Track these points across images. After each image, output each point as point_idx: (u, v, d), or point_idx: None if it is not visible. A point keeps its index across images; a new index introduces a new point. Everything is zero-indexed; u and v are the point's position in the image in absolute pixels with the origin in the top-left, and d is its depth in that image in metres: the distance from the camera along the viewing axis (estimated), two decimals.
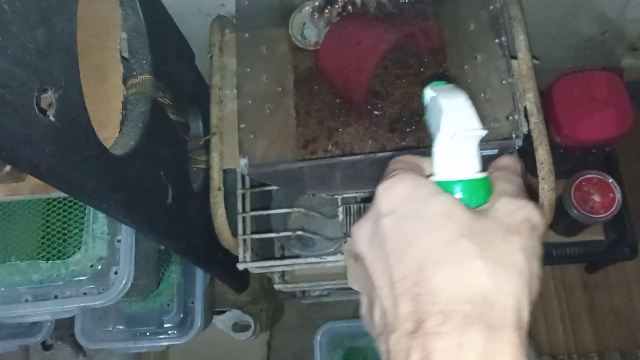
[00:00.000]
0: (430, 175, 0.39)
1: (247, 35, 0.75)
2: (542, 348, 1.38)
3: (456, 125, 0.37)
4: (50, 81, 0.40)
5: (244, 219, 0.81)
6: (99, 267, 0.65)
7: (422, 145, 0.80)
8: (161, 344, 0.97)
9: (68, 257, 0.66)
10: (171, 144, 0.67)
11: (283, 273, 0.95)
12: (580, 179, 1.08)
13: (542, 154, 0.71)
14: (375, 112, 0.82)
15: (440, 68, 0.83)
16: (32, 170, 0.39)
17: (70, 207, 0.69)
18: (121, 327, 0.98)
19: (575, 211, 1.09)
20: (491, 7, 0.70)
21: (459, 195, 0.36)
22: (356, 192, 0.86)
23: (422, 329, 0.31)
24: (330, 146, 0.83)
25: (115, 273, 0.65)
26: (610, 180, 1.07)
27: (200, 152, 0.78)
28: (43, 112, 0.39)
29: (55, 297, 0.66)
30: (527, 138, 0.76)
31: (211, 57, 0.82)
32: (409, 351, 0.31)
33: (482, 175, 0.37)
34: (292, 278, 0.95)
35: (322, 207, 0.90)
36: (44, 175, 0.41)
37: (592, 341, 1.38)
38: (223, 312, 1.27)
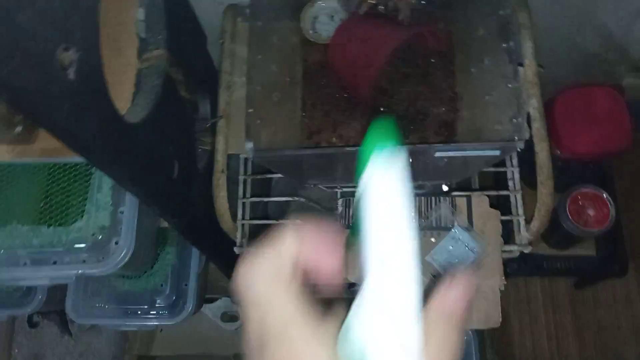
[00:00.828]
0: None
1: (260, 23, 0.77)
2: None
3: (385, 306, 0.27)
4: (73, 40, 0.41)
5: (243, 204, 0.82)
6: (100, 236, 0.66)
7: (425, 143, 0.81)
8: (151, 323, 0.98)
9: (70, 224, 0.67)
10: (180, 120, 0.68)
11: None
12: (576, 192, 1.10)
13: (543, 159, 0.73)
14: (381, 108, 0.83)
15: (447, 69, 0.84)
16: (48, 125, 0.40)
17: (75, 174, 0.70)
18: (113, 305, 0.98)
19: (569, 223, 1.10)
20: (501, 12, 0.72)
21: None
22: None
23: None
24: (334, 139, 0.84)
25: (116, 243, 0.66)
26: (605, 196, 1.08)
27: (207, 134, 0.79)
28: (64, 69, 0.40)
29: (54, 262, 0.66)
30: (527, 145, 0.78)
31: (222, 43, 0.84)
32: None
33: None
34: None
35: (321, 201, 0.91)
36: (59, 132, 0.42)
37: (577, 356, 1.39)
38: (213, 300, 1.28)
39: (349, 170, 0.81)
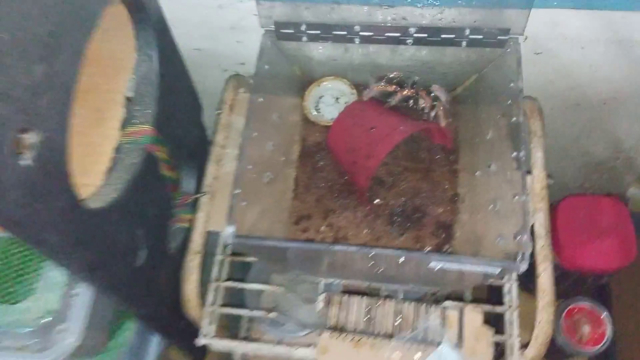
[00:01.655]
0: None
1: (261, 99, 0.73)
2: None
3: None
4: (37, 122, 0.36)
5: (216, 288, 0.76)
6: (47, 320, 0.59)
7: (420, 246, 0.76)
8: None
9: (15, 303, 0.60)
10: (156, 202, 0.63)
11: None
12: (572, 305, 1.03)
13: (545, 282, 0.67)
14: (377, 201, 0.78)
15: (450, 168, 0.80)
16: None
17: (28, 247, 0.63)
18: None
19: (562, 338, 1.03)
20: (513, 119, 0.68)
21: None
22: (342, 280, 0.81)
23: None
24: (323, 227, 0.78)
25: (63, 331, 0.59)
26: (604, 315, 1.02)
27: (187, 210, 0.73)
28: (18, 154, 0.34)
29: None
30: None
31: (219, 113, 0.79)
32: None
33: None
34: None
35: (300, 286, 0.85)
36: (4, 222, 0.36)
37: None
38: None
39: (335, 265, 0.75)
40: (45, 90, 0.36)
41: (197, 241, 0.69)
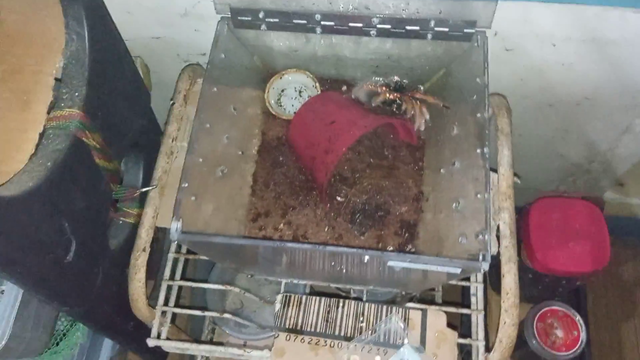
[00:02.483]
0: None
1: (215, 89, 0.69)
2: None
3: None
4: None
5: (169, 287, 0.72)
6: None
7: (382, 246, 0.72)
8: None
9: None
10: (89, 193, 0.58)
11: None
12: (545, 309, 1.01)
13: (509, 283, 0.64)
14: (338, 198, 0.75)
15: (415, 165, 0.76)
16: None
17: None
18: None
19: (535, 342, 1.00)
20: (478, 115, 0.65)
21: None
22: (307, 282, 0.77)
23: None
24: (282, 225, 0.75)
25: None
26: (577, 318, 0.99)
27: (133, 204, 0.70)
28: None
29: None
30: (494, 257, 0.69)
31: (173, 104, 0.76)
32: None
33: None
34: None
35: (265, 288, 0.81)
36: None
37: None
38: None
39: (294, 265, 0.71)
40: None
41: (144, 237, 0.66)
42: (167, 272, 0.72)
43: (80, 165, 0.54)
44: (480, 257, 0.57)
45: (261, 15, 0.70)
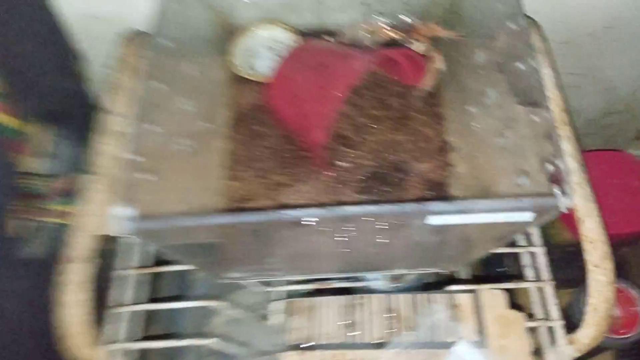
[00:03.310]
0: None
1: (172, 44, 0.52)
2: None
3: None
4: None
5: (119, 316, 0.52)
6: None
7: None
8: None
9: None
10: None
11: None
12: None
13: (592, 228, 0.48)
14: (341, 164, 0.58)
15: (432, 111, 0.61)
16: None
17: None
18: None
19: None
20: (512, 26, 0.50)
21: None
22: (307, 277, 0.59)
23: None
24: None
25: None
26: (633, 293, 0.84)
27: (62, 200, 0.51)
28: None
29: None
30: None
31: (110, 73, 0.59)
32: None
33: None
34: None
35: (247, 297, 0.62)
36: None
37: None
38: None
39: (291, 254, 0.53)
40: None
41: (80, 244, 0.47)
42: (116, 295, 0.53)
43: None
44: (558, 190, 0.41)
45: None
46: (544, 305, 0.53)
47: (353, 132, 0.59)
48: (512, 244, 0.59)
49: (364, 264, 0.57)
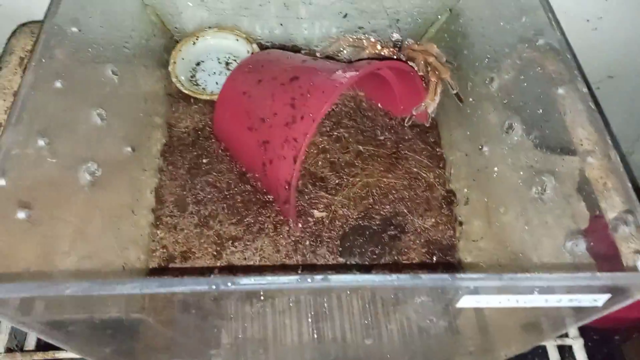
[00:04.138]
0: None
1: (83, 36, 0.37)
2: None
3: None
4: None
5: None
6: None
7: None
8: None
9: None
10: None
11: None
12: None
13: None
14: (315, 213, 0.42)
15: (431, 151, 0.47)
16: None
17: None
18: None
19: None
20: (540, 42, 0.38)
21: None
22: None
23: None
24: (216, 271, 0.41)
25: None
26: None
27: None
28: None
29: None
30: None
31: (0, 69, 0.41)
32: None
33: None
34: None
35: None
36: None
37: None
38: None
39: (241, 343, 0.36)
40: None
41: None
42: None
43: None
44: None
45: None
46: None
47: (332, 171, 0.44)
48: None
49: None
